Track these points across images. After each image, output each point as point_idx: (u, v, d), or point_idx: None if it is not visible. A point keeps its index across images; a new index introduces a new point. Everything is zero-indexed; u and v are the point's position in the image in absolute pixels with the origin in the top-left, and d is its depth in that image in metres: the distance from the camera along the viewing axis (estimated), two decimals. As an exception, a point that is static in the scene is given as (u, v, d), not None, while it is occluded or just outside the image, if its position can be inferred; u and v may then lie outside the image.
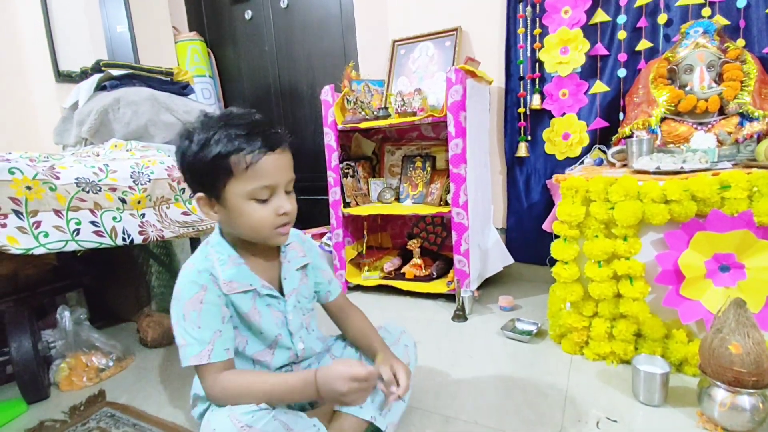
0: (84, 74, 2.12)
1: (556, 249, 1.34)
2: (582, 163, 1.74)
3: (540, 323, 1.52)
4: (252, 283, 0.84)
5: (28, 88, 2.27)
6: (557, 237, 1.35)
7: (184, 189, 1.42)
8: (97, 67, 2.03)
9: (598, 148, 1.75)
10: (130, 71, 2.07)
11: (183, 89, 2.24)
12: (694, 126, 1.40)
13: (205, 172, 0.76)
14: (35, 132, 2.29)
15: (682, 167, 1.23)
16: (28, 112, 2.27)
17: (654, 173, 1.25)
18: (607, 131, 1.76)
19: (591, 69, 1.77)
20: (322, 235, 2.21)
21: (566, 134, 1.84)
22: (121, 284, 1.91)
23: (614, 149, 1.55)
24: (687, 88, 1.42)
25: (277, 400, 0.77)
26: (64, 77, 2.24)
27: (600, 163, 1.65)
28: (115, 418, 1.19)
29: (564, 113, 1.84)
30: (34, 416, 1.23)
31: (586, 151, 1.81)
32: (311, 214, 2.53)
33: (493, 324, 1.61)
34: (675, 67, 1.46)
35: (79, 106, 1.98)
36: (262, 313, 0.85)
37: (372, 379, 0.75)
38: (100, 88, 2.04)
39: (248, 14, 2.66)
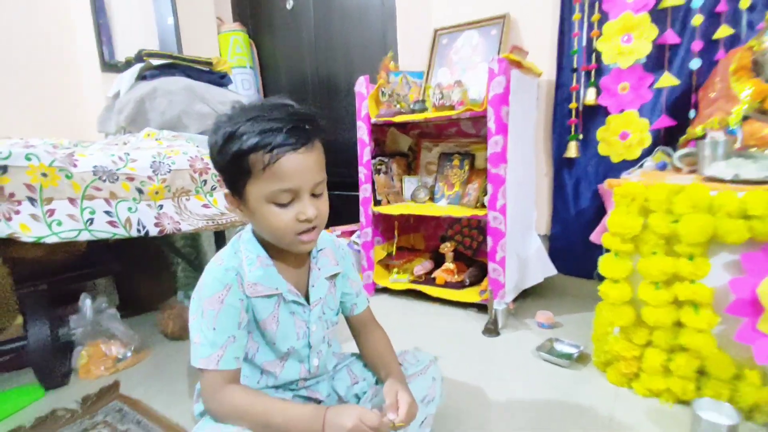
0: (128, 64, 2.15)
1: (604, 265, 1.17)
2: (641, 166, 1.53)
3: (582, 346, 1.35)
4: (279, 287, 0.76)
5: (76, 79, 2.35)
6: (607, 251, 1.18)
7: (205, 181, 1.37)
8: (139, 57, 2.05)
9: (662, 150, 1.53)
10: (171, 61, 2.07)
11: (221, 79, 2.23)
12: (785, 127, 1.17)
13: (226, 169, 0.70)
14: (82, 121, 2.37)
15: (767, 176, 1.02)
16: (77, 102, 2.35)
17: (731, 182, 1.05)
18: (673, 131, 1.55)
19: (658, 59, 1.56)
20: (351, 232, 2.13)
21: (624, 133, 1.64)
22: (149, 273, 1.92)
23: (682, 152, 1.34)
24: (777, 82, 1.19)
25: (275, 429, 0.69)
26: (110, 67, 2.29)
27: (663, 167, 1.44)
28: (122, 413, 1.17)
29: (623, 110, 1.63)
30: (50, 403, 1.23)
31: (647, 153, 1.60)
32: (343, 210, 2.45)
33: (529, 342, 1.46)
34: (760, 59, 1.24)
35: (120, 96, 2.02)
36: (281, 322, 0.78)
37: (383, 428, 0.67)
38: (141, 77, 2.06)
39: (290, 3, 2.62)
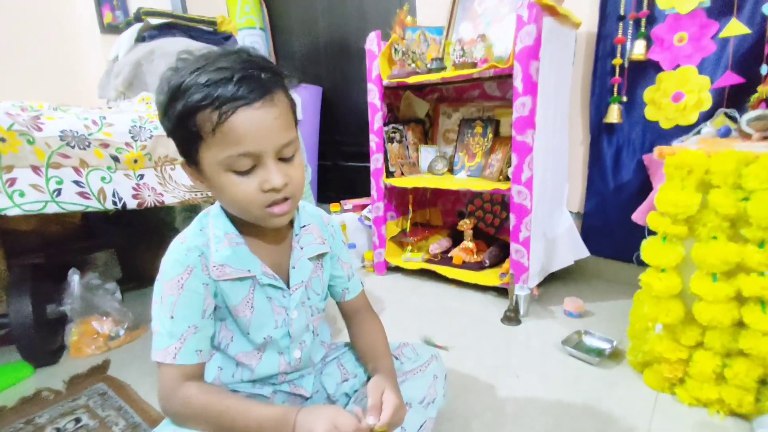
0: (128, 25, 2.03)
1: (649, 250, 0.97)
2: (699, 133, 1.29)
3: (616, 341, 1.18)
4: (251, 268, 0.64)
5: (74, 43, 2.25)
6: (652, 233, 0.98)
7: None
8: (138, 17, 1.92)
9: (725, 113, 1.29)
10: (170, 20, 1.93)
11: (226, 40, 2.08)
12: None
13: (174, 133, 0.58)
14: (82, 88, 2.28)
15: None
16: (76, 67, 2.26)
17: (823, 150, 0.82)
18: (739, 90, 1.29)
19: (725, 3, 1.29)
20: (363, 206, 1.98)
21: (678, 94, 1.39)
22: (153, 245, 1.84)
23: (751, 114, 1.10)
24: None
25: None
26: (110, 29, 2.17)
27: (726, 133, 1.20)
28: (105, 397, 1.10)
29: (678, 65, 1.38)
30: (38, 381, 1.18)
31: (706, 117, 1.35)
32: (356, 181, 2.30)
33: (554, 333, 1.29)
34: None
35: (119, 59, 1.90)
36: (256, 308, 0.66)
37: None
38: (141, 39, 1.94)
39: (302, -43, 2.40)
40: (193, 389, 0.60)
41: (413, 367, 0.77)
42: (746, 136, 1.11)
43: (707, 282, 0.89)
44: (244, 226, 0.65)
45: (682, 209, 0.90)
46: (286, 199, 0.60)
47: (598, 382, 1.07)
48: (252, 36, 2.47)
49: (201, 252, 0.62)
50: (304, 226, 0.71)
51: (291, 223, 0.70)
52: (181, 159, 0.61)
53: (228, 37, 2.08)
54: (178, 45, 1.84)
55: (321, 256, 0.74)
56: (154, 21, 1.90)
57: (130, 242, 1.80)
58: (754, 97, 1.16)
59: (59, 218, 1.54)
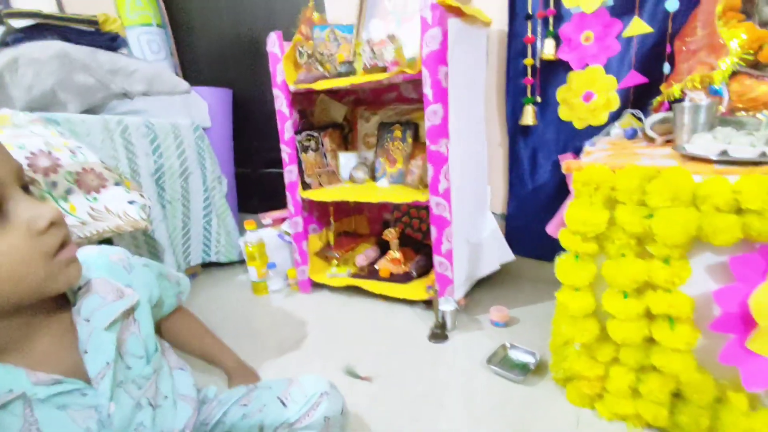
0: (-13, 27, 1.72)
1: (562, 268, 0.94)
2: (608, 134, 1.29)
3: (539, 354, 1.16)
4: (13, 386, 0.46)
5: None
6: (564, 251, 0.95)
7: (55, 183, 1.05)
8: (-1, 18, 1.63)
9: (631, 113, 1.29)
10: (39, 21, 1.66)
11: (112, 41, 1.83)
12: (782, 84, 0.94)
13: None
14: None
15: (764, 153, 0.79)
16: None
17: (719, 162, 0.81)
18: (645, 90, 1.30)
19: (627, 1, 1.28)
20: (283, 220, 1.84)
21: (588, 94, 1.38)
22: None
23: (655, 117, 1.09)
24: (775, 26, 0.94)
25: None
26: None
27: (633, 135, 1.20)
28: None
29: (586, 65, 1.36)
30: None
31: (615, 117, 1.35)
32: (279, 189, 2.15)
33: (480, 347, 1.25)
34: (755, -6, 0.98)
35: (-24, 68, 1.60)
36: (48, 426, 0.48)
37: None
38: (3, 44, 1.65)
39: (198, -56, 2.17)
40: None
41: (300, 414, 0.68)
42: (651, 140, 1.10)
43: (619, 300, 0.87)
44: None
45: (591, 227, 0.86)
46: (65, 241, 0.45)
47: (522, 401, 1.04)
48: (149, 34, 2.20)
49: None
50: (81, 287, 0.54)
51: (63, 293, 0.53)
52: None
53: (115, 37, 1.83)
54: (50, 50, 1.58)
55: (131, 309, 0.58)
56: (18, 23, 1.63)
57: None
58: (656, 100, 1.17)
59: None
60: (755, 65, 0.96)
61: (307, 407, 0.69)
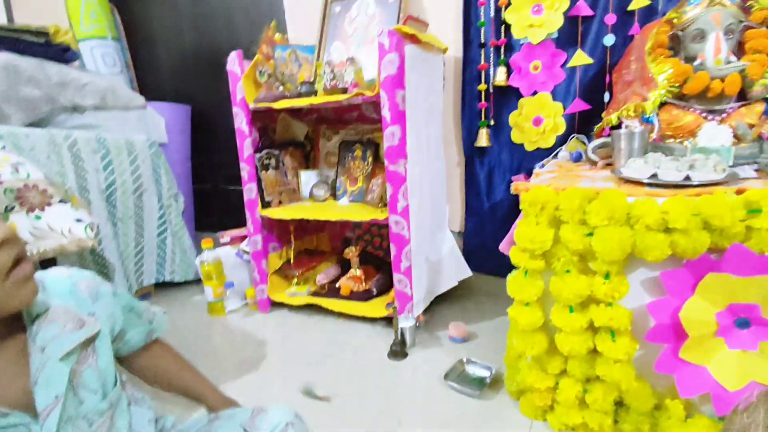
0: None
1: (513, 284, 0.98)
2: (556, 156, 1.37)
3: (496, 367, 1.19)
4: None
5: None
6: (515, 268, 0.99)
7: (13, 207, 0.99)
8: (-64, 26, 1.55)
9: (576, 138, 1.38)
10: (-18, 31, 1.59)
11: (64, 52, 1.78)
12: (704, 115, 1.03)
13: None
14: None
15: (688, 176, 0.87)
16: None
17: (650, 185, 0.88)
18: (589, 116, 1.39)
19: (571, 34, 1.38)
20: (243, 238, 1.81)
21: (538, 119, 1.46)
22: None
23: (596, 142, 1.18)
24: (696, 62, 1.04)
25: None
26: None
27: (578, 158, 1.28)
28: None
29: (535, 92, 1.45)
30: None
31: (562, 141, 1.44)
32: (240, 205, 2.12)
33: (439, 363, 1.27)
34: (680, 33, 1.09)
35: None
36: None
37: None
38: (-58, 53, 1.57)
39: (158, -40, 2.15)
40: None
41: None
42: (593, 163, 1.18)
43: (565, 314, 0.92)
44: None
45: (538, 244, 0.91)
46: (20, 259, 0.44)
47: (479, 415, 1.06)
48: (104, 47, 2.14)
49: None
50: (39, 315, 0.51)
51: (19, 317, 0.51)
52: None
53: (66, 49, 1.78)
54: (-7, 61, 1.51)
55: (90, 340, 0.55)
56: (-42, 32, 1.55)
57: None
58: (597, 127, 1.25)
59: None
60: (681, 97, 1.06)
61: None
